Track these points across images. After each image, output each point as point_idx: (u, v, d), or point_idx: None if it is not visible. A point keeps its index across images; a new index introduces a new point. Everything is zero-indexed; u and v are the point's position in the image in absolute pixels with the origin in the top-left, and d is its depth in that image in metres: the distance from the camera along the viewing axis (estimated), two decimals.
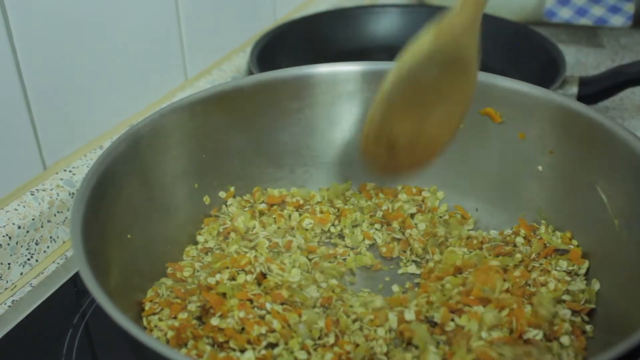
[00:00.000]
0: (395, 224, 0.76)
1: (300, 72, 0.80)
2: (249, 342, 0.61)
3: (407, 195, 0.80)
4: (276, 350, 0.61)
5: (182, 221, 0.75)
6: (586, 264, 0.70)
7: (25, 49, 0.75)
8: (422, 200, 0.80)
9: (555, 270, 0.70)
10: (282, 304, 0.65)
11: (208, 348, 0.61)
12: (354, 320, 0.65)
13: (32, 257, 0.77)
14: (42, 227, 0.78)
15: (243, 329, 0.62)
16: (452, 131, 0.71)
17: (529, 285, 0.68)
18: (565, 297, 0.67)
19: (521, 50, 1.13)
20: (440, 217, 0.78)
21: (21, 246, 0.76)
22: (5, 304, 0.74)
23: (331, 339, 0.63)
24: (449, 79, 0.66)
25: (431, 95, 0.67)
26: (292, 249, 0.72)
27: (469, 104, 0.69)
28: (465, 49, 0.65)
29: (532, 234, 0.74)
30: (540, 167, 0.76)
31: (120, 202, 0.67)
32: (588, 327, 0.65)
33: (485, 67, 0.79)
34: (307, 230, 0.76)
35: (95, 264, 0.57)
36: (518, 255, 0.71)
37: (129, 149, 0.69)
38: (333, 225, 0.77)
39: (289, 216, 0.77)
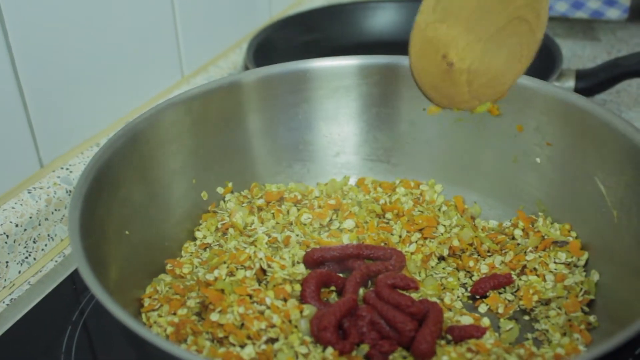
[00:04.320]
0: (389, 215, 0.77)
1: (297, 67, 0.80)
2: (248, 337, 0.61)
3: (405, 189, 0.80)
4: (276, 345, 0.61)
5: (180, 217, 0.75)
6: (585, 256, 0.70)
7: (21, 47, 0.75)
8: (420, 194, 0.79)
9: (554, 262, 0.70)
10: (284, 299, 0.64)
11: (208, 343, 0.61)
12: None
13: (30, 255, 0.77)
14: (39, 225, 0.77)
15: (243, 324, 0.62)
16: (519, 70, 0.67)
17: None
18: (562, 293, 0.67)
19: None
20: (439, 209, 0.78)
21: (19, 244, 0.75)
22: (3, 302, 0.73)
23: None
24: (514, 1, 0.63)
25: (494, 20, 0.63)
26: (291, 244, 0.72)
27: (540, 33, 0.65)
28: None
29: (531, 226, 0.74)
30: (538, 159, 0.76)
31: (118, 199, 0.67)
32: (592, 318, 0.65)
33: None
34: (305, 225, 0.76)
35: (93, 260, 0.57)
36: (510, 253, 0.72)
37: (126, 145, 0.69)
38: (331, 219, 0.77)
39: (287, 211, 0.77)
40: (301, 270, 0.68)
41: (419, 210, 0.76)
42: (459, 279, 0.71)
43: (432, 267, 0.72)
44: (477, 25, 0.63)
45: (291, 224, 0.76)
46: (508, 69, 0.65)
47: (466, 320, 0.65)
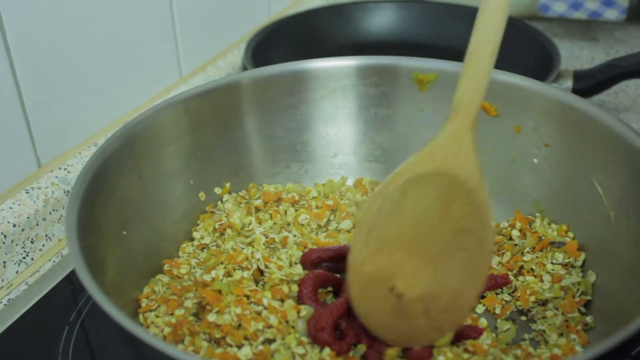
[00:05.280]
0: None
1: (295, 68, 0.80)
2: (245, 338, 0.61)
3: None
4: (273, 346, 0.61)
5: (178, 218, 0.75)
6: (582, 257, 0.70)
7: (19, 46, 0.75)
8: None
9: (551, 263, 0.70)
10: (281, 300, 0.65)
11: (205, 344, 0.61)
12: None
13: (27, 255, 0.77)
14: (37, 225, 0.78)
15: (240, 325, 0.62)
16: (480, 283, 0.58)
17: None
18: (559, 294, 0.67)
19: (515, 44, 1.13)
20: None
21: (17, 245, 0.75)
22: (1, 302, 0.73)
23: None
24: (452, 210, 0.56)
25: (437, 235, 0.56)
26: (288, 245, 0.72)
27: (490, 238, 0.57)
28: (457, 166, 0.57)
29: (528, 227, 0.74)
30: (535, 160, 0.76)
31: (115, 199, 0.67)
32: (589, 319, 0.65)
33: None
34: (303, 225, 0.76)
35: (91, 261, 0.57)
36: (508, 253, 0.72)
37: (123, 145, 0.69)
38: (329, 220, 0.77)
39: (285, 212, 0.77)
40: (298, 270, 0.68)
41: None
42: None
43: None
44: (420, 246, 0.56)
45: (289, 224, 0.76)
46: (465, 287, 0.57)
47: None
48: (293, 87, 0.80)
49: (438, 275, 0.56)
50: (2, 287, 0.75)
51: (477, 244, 0.56)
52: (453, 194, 0.56)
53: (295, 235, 0.74)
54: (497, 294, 0.69)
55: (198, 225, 0.76)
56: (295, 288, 0.66)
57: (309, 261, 0.69)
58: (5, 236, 0.74)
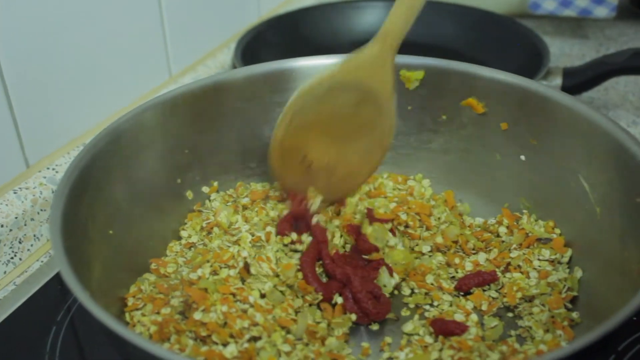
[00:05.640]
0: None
1: (282, 66, 0.80)
2: (231, 335, 0.61)
3: (393, 183, 0.80)
4: (259, 344, 0.61)
5: (165, 217, 0.75)
6: (569, 253, 0.70)
7: (6, 46, 0.75)
8: (408, 189, 0.79)
9: (538, 259, 0.70)
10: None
11: (190, 342, 0.61)
12: None
13: (15, 255, 0.77)
14: (25, 225, 0.77)
15: (226, 323, 0.62)
16: (373, 166, 0.74)
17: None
18: (545, 290, 0.67)
19: (506, 42, 1.13)
20: (427, 201, 0.78)
21: (4, 245, 0.75)
22: None
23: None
24: (363, 112, 0.70)
25: (346, 125, 0.70)
26: (271, 240, 0.72)
27: (388, 139, 0.72)
28: (376, 83, 0.69)
29: (515, 223, 0.74)
30: (523, 157, 0.76)
31: (101, 198, 0.67)
32: (575, 315, 0.65)
33: (471, 59, 0.79)
34: None
35: (76, 260, 0.56)
36: (495, 250, 0.72)
37: (110, 144, 0.69)
38: None
39: (272, 209, 0.77)
40: (286, 261, 0.69)
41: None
42: (448, 273, 0.71)
43: (424, 254, 0.73)
44: (332, 130, 0.70)
45: (274, 220, 0.76)
46: (361, 166, 0.73)
47: (454, 310, 0.66)
48: (280, 86, 0.80)
49: (341, 153, 0.71)
50: None
51: (377, 138, 0.71)
52: (367, 100, 0.69)
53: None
54: (484, 290, 0.69)
55: (185, 224, 0.76)
56: (291, 274, 0.67)
57: (286, 225, 0.72)
58: None
